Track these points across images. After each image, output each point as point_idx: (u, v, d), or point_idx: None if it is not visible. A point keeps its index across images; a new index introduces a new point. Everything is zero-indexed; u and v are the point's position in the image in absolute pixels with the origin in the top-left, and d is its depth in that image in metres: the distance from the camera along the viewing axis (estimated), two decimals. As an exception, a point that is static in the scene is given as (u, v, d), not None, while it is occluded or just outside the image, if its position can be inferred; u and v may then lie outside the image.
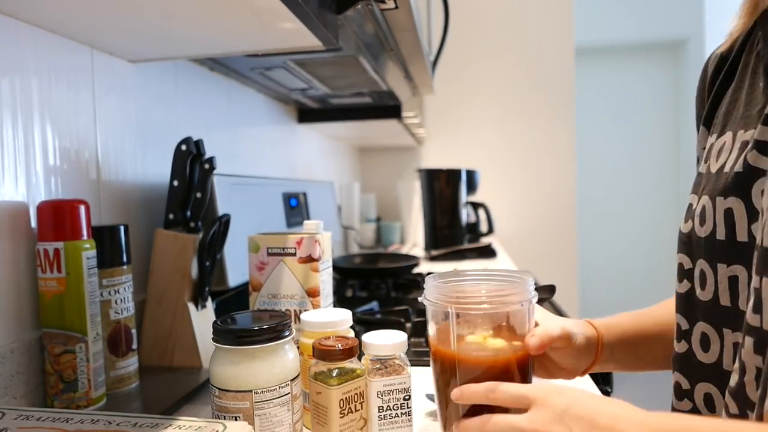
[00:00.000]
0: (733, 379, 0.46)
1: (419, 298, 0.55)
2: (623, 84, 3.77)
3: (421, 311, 1.03)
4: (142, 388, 0.68)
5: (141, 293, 0.77)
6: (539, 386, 0.47)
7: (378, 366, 0.53)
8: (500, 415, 0.46)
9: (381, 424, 0.53)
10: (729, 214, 0.49)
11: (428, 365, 0.54)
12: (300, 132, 1.63)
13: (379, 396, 0.53)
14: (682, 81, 3.66)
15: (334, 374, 0.51)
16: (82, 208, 0.59)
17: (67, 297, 0.58)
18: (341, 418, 0.51)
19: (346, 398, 0.51)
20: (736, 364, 0.46)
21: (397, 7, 0.81)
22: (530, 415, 0.44)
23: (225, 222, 0.79)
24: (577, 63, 2.47)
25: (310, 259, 0.68)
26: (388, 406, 0.53)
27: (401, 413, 0.53)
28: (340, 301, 1.22)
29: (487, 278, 0.57)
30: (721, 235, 0.50)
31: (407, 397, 0.54)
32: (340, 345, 0.52)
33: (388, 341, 0.54)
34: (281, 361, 0.50)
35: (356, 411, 0.52)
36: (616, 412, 0.42)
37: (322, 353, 0.52)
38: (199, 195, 0.79)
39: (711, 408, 0.53)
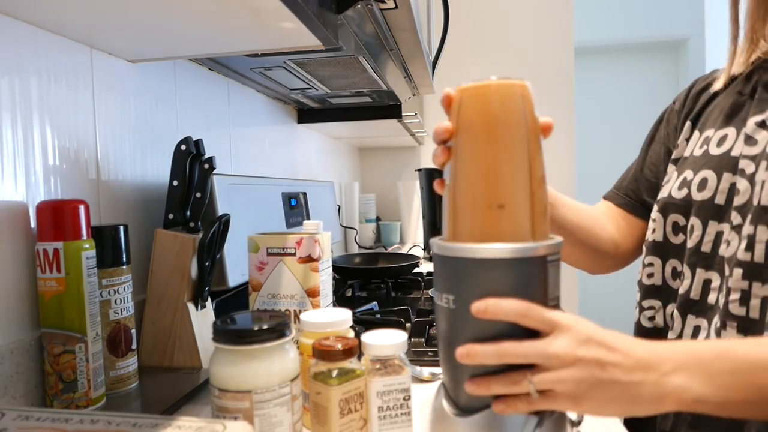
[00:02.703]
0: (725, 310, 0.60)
1: None
2: (623, 84, 3.77)
3: (421, 311, 1.03)
4: (141, 388, 0.68)
5: (141, 293, 0.77)
6: (562, 314, 0.46)
7: (378, 366, 0.53)
8: (522, 342, 0.44)
9: (381, 425, 0.53)
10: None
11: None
12: (300, 132, 1.63)
13: (379, 396, 0.53)
14: (682, 81, 3.66)
15: (334, 374, 0.51)
16: (82, 208, 0.59)
17: (66, 297, 0.58)
18: (341, 418, 0.51)
19: (345, 398, 0.51)
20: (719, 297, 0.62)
21: (397, 7, 0.81)
22: (557, 340, 0.44)
23: (225, 222, 0.79)
24: (576, 63, 2.47)
25: (309, 259, 0.68)
26: (388, 406, 0.53)
27: (401, 413, 0.53)
28: (340, 301, 1.22)
29: None
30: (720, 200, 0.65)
31: (407, 398, 0.54)
32: (340, 345, 0.52)
33: (388, 341, 0.54)
34: (281, 361, 0.50)
35: (356, 411, 0.52)
36: (630, 340, 0.47)
37: (322, 353, 0.52)
38: (198, 195, 0.79)
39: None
